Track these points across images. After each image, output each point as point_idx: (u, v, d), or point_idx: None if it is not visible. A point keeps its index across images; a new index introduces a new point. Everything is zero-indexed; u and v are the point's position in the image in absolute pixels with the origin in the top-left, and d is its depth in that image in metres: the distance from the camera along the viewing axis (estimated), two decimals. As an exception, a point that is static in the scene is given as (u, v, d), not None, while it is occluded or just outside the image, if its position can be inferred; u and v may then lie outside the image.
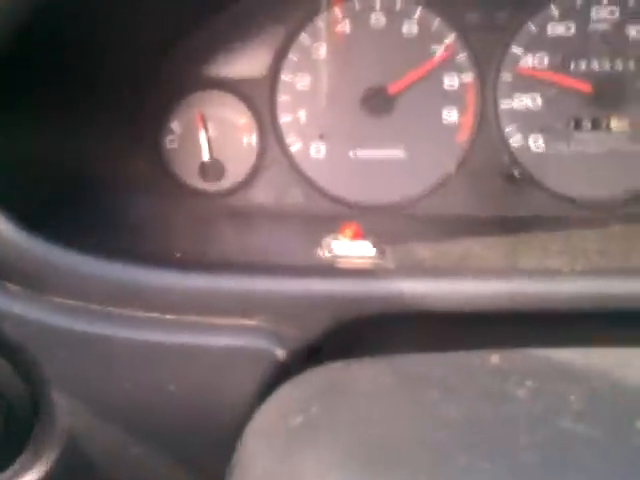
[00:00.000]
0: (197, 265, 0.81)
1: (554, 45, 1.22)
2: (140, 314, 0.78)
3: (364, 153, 1.26)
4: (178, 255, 0.85)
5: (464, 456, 0.57)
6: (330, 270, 0.85)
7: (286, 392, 0.71)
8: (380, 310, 0.81)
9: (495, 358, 0.71)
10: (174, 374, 0.76)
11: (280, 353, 0.78)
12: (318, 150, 1.26)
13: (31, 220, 0.78)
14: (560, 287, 0.80)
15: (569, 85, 1.22)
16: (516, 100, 1.24)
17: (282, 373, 0.77)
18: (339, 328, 0.81)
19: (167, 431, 0.77)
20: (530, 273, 0.83)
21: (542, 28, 1.22)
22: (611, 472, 0.52)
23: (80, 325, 0.75)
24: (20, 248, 0.76)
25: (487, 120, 1.24)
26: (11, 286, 0.76)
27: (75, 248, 0.76)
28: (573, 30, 1.22)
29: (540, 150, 1.25)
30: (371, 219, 1.20)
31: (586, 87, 1.22)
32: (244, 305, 0.79)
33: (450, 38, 1.23)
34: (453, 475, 0.55)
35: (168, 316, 0.78)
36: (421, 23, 1.23)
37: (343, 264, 0.87)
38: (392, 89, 1.23)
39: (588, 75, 1.22)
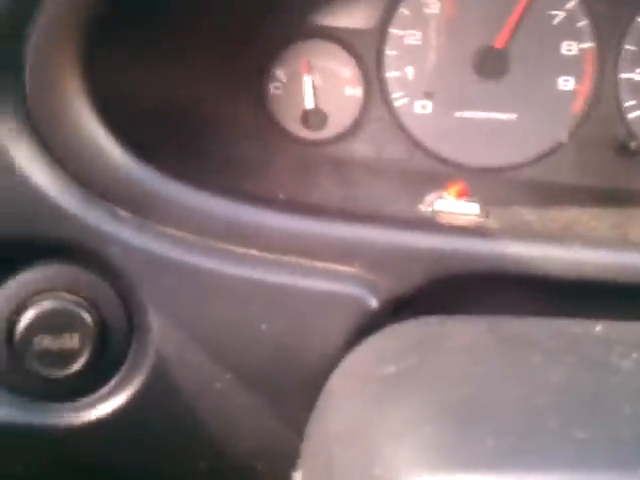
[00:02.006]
0: (300, 207, 0.81)
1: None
2: (241, 250, 0.78)
3: (472, 114, 1.22)
4: (281, 197, 0.85)
5: (560, 423, 0.55)
6: (432, 224, 0.83)
7: (380, 340, 0.71)
8: (481, 270, 0.79)
9: (600, 328, 0.68)
10: (268, 313, 0.76)
11: (374, 302, 0.78)
12: (424, 107, 1.23)
13: (143, 150, 0.79)
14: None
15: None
16: (638, 73, 1.18)
17: (372, 323, 0.77)
18: (436, 284, 0.80)
19: (254, 369, 0.77)
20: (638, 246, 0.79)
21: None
22: None
23: (183, 255, 0.76)
24: (133, 176, 0.77)
25: (604, 91, 1.19)
26: (121, 212, 0.77)
27: (184, 181, 0.77)
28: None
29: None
30: (474, 181, 1.18)
31: None
32: (343, 251, 0.78)
33: (572, 3, 1.18)
34: (545, 440, 0.54)
35: (268, 255, 0.79)
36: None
37: (446, 220, 0.86)
38: (500, 44, 1.19)
39: None
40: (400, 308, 0.80)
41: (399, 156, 1.24)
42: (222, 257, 0.77)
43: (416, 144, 1.24)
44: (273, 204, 0.80)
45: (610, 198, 1.09)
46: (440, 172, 1.22)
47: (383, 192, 1.10)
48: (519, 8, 1.18)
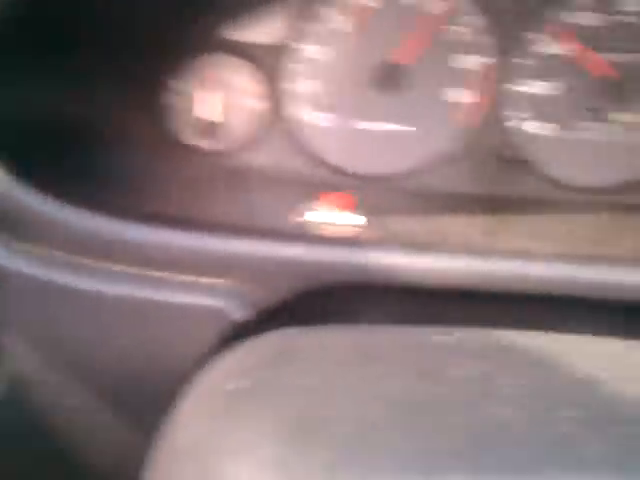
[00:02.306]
0: (167, 220, 0.81)
1: (578, 33, 1.19)
2: (105, 266, 0.78)
3: (369, 125, 1.24)
4: (152, 209, 0.85)
5: (390, 434, 0.56)
6: (303, 236, 0.84)
7: (235, 354, 0.71)
8: (349, 279, 0.80)
9: (452, 335, 0.70)
10: (129, 328, 0.77)
11: (238, 314, 0.78)
12: (324, 120, 1.25)
13: (24, 168, 0.79)
14: (531, 269, 0.79)
15: (595, 66, 1.19)
16: (529, 86, 1.21)
17: (243, 335, 0.77)
18: (306, 294, 0.81)
19: (114, 385, 0.78)
20: (504, 253, 0.82)
21: (568, 16, 1.19)
22: (527, 458, 0.51)
23: (40, 272, 0.76)
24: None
25: (496, 103, 1.22)
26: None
27: (44, 194, 0.77)
28: (599, 20, 1.18)
29: (540, 135, 1.22)
30: (363, 190, 1.20)
31: (610, 72, 1.19)
32: (209, 263, 0.79)
33: (476, 19, 1.20)
34: (375, 452, 0.55)
35: (132, 269, 0.79)
36: (449, 2, 1.20)
37: (321, 230, 0.87)
38: (402, 59, 1.21)
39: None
40: (271, 319, 0.80)
41: (298, 167, 1.26)
42: (82, 273, 0.77)
43: (315, 156, 1.26)
44: (139, 217, 0.80)
45: (489, 205, 1.12)
46: (338, 182, 1.23)
47: (272, 203, 1.11)
48: (420, 25, 1.21)
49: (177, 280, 0.78)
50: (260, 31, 1.24)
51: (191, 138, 1.26)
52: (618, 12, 1.17)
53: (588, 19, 1.18)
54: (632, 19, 1.17)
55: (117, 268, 0.78)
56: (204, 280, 0.79)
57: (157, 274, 0.78)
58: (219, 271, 0.79)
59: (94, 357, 0.76)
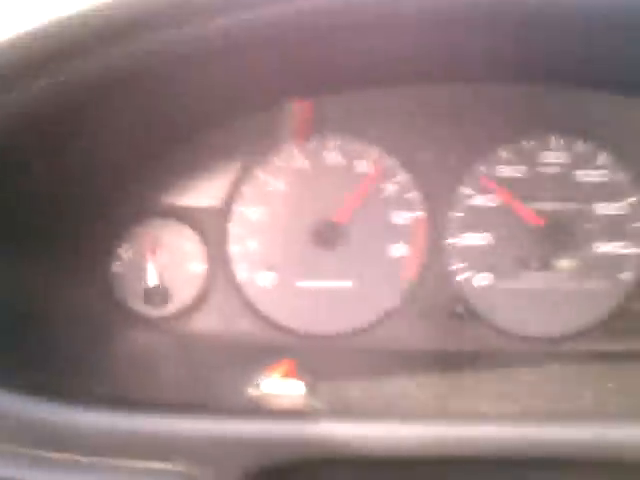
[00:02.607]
0: (115, 404, 0.80)
1: (504, 186, 1.26)
2: (52, 455, 0.75)
3: (312, 284, 1.27)
4: (99, 390, 0.83)
5: None
6: (253, 412, 0.83)
7: None
8: (302, 455, 0.79)
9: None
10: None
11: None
12: (266, 279, 1.27)
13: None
14: (485, 432, 0.79)
15: (524, 216, 1.25)
16: (465, 238, 1.26)
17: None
18: (261, 473, 0.78)
19: None
20: (456, 418, 0.82)
21: (491, 169, 1.26)
22: None
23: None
24: None
25: (434, 256, 1.26)
26: None
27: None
28: (522, 173, 1.26)
29: (486, 286, 1.26)
30: (314, 351, 1.20)
31: (539, 222, 1.25)
32: (159, 447, 0.77)
33: (402, 177, 1.27)
34: None
35: (81, 458, 0.76)
36: (375, 162, 1.26)
37: (269, 405, 0.86)
38: (338, 218, 1.26)
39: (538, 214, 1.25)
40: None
41: (245, 329, 1.26)
42: (29, 465, 0.73)
43: (260, 316, 1.26)
44: (86, 403, 0.78)
45: (441, 362, 1.13)
46: (285, 344, 1.23)
47: (227, 369, 1.10)
48: (360, 187, 1.26)
49: (129, 467, 0.75)
50: (201, 194, 1.27)
51: (140, 306, 1.25)
52: (540, 164, 1.25)
53: (512, 172, 1.26)
54: (554, 169, 1.26)
55: (70, 458, 0.75)
56: (154, 465, 0.76)
57: (107, 461, 0.75)
58: (168, 454, 0.77)
59: None
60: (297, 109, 1.24)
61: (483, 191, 1.26)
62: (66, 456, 0.76)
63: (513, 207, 1.25)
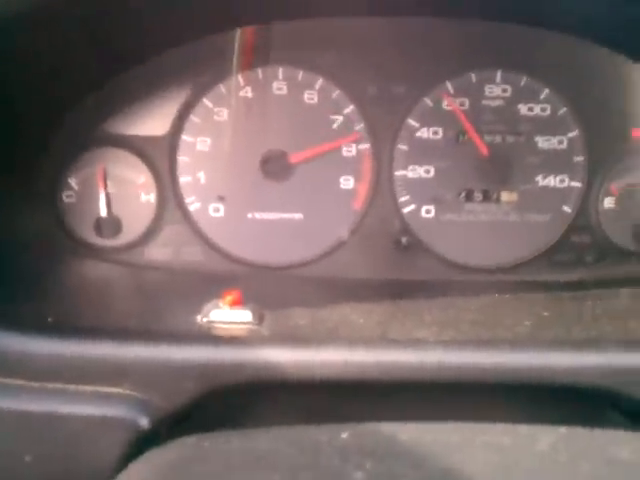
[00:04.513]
0: (65, 330, 0.81)
1: (449, 119, 1.28)
2: (3, 381, 0.77)
3: (262, 215, 1.29)
4: (49, 319, 0.84)
5: None
6: (200, 337, 0.86)
7: (135, 469, 0.71)
8: (248, 379, 0.82)
9: (345, 434, 0.72)
10: (32, 443, 0.75)
11: (145, 422, 0.79)
12: (217, 210, 1.28)
13: None
14: (421, 357, 0.83)
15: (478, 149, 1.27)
16: (410, 170, 1.29)
17: (152, 441, 0.77)
18: (208, 397, 0.82)
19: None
20: (395, 343, 0.85)
21: (437, 102, 1.28)
22: None
23: None
24: None
25: (381, 188, 1.29)
26: None
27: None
28: (467, 106, 1.28)
29: (431, 218, 1.29)
30: (264, 280, 1.23)
31: (483, 152, 1.28)
32: (109, 372, 0.79)
33: (349, 109, 1.28)
34: None
35: (32, 383, 0.78)
36: (321, 93, 1.27)
37: (216, 331, 0.88)
38: (294, 159, 1.27)
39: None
40: (174, 425, 0.81)
41: (196, 258, 1.28)
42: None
43: (211, 246, 1.28)
44: (35, 329, 0.80)
45: (386, 291, 1.16)
46: (234, 272, 1.26)
47: (177, 298, 1.12)
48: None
49: (78, 391, 0.78)
50: (149, 124, 1.27)
51: (91, 236, 1.26)
52: (485, 97, 1.28)
53: (457, 104, 1.28)
54: (498, 102, 1.28)
55: (18, 383, 0.77)
56: (108, 390, 0.79)
57: (58, 386, 0.78)
58: (118, 378, 0.79)
59: (3, 472, 0.74)
60: (241, 36, 1.23)
61: (428, 124, 1.28)
62: (17, 381, 0.78)
63: (471, 137, 1.27)
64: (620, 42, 1.21)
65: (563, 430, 0.72)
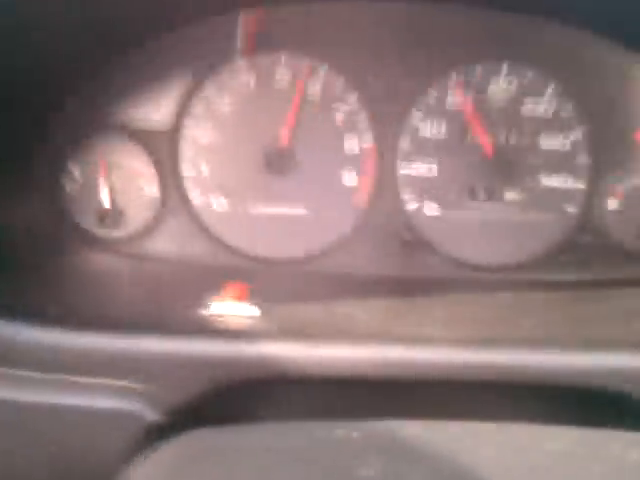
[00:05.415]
0: (71, 322, 0.81)
1: (453, 113, 1.27)
2: (7, 371, 0.76)
3: (265, 209, 1.28)
4: (53, 310, 0.84)
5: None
6: (207, 332, 0.85)
7: (145, 463, 0.71)
8: (254, 374, 0.81)
9: (354, 431, 0.71)
10: (41, 435, 0.75)
11: (152, 415, 0.78)
12: (220, 204, 1.27)
13: None
14: (425, 355, 0.83)
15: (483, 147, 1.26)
16: (414, 167, 1.28)
17: (160, 434, 0.76)
18: (216, 391, 0.81)
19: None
20: (405, 341, 0.85)
21: (441, 98, 1.27)
22: None
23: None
24: None
25: (385, 185, 1.28)
26: None
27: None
28: (472, 102, 1.27)
29: (435, 216, 1.29)
30: (267, 275, 1.22)
31: (488, 150, 1.26)
32: (116, 366, 0.79)
33: (352, 99, 1.27)
34: None
35: (38, 375, 0.77)
36: (325, 82, 1.26)
37: (222, 325, 0.88)
38: (283, 140, 1.25)
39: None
40: (183, 418, 0.80)
41: (199, 252, 1.27)
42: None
43: (213, 239, 1.27)
44: (41, 321, 0.79)
45: (391, 288, 1.16)
46: (237, 266, 1.25)
47: (183, 291, 1.11)
48: (295, 103, 1.25)
49: (89, 384, 0.77)
50: (149, 111, 1.26)
51: (93, 227, 1.25)
52: (490, 93, 1.26)
53: (467, 95, 1.27)
54: (503, 98, 1.27)
55: (29, 375, 0.76)
56: (115, 383, 0.78)
57: (63, 378, 0.77)
58: (127, 372, 0.79)
59: (11, 465, 0.74)
60: (243, 21, 1.22)
61: (432, 117, 1.27)
62: (21, 372, 0.77)
63: (478, 135, 1.26)
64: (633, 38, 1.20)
65: (573, 432, 0.71)
